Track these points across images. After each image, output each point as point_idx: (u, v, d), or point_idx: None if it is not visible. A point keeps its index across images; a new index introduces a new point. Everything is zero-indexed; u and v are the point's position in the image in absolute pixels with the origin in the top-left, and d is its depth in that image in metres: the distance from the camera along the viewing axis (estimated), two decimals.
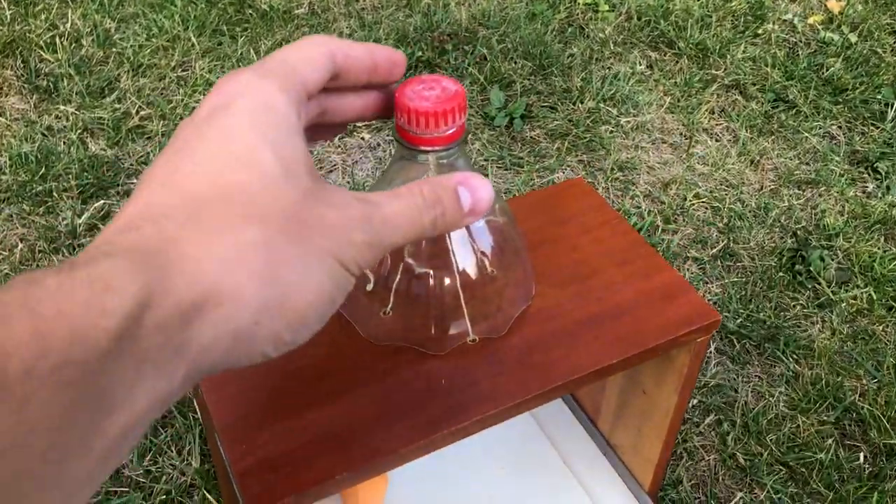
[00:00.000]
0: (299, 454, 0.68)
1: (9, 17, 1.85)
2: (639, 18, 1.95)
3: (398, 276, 0.73)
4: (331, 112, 0.49)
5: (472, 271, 0.74)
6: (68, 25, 1.82)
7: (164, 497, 1.05)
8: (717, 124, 1.69)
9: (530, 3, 1.99)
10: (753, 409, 1.18)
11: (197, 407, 1.08)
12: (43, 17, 1.85)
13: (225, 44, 1.81)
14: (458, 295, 0.74)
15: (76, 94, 1.65)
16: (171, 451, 1.10)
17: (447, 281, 0.73)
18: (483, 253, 0.74)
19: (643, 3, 1.98)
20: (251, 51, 1.78)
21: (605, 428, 1.04)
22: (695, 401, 1.19)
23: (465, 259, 0.73)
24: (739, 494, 1.09)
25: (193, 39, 1.80)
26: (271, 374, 0.74)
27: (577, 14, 1.97)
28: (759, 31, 1.93)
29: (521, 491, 1.01)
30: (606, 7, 1.99)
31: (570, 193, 0.94)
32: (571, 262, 0.85)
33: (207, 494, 1.05)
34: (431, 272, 0.73)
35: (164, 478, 1.07)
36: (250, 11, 1.91)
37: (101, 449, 0.29)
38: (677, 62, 1.84)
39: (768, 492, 1.09)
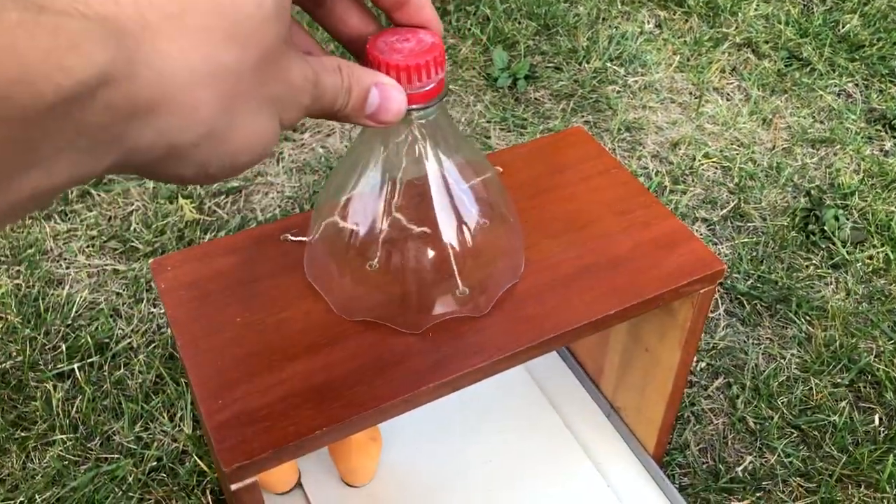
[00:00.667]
0: (277, 409, 0.65)
1: None
2: None
3: (379, 241, 0.69)
4: (328, 8, 0.48)
5: (455, 242, 0.69)
6: None
7: (156, 463, 1.03)
8: (727, 83, 1.63)
9: None
10: (764, 371, 1.14)
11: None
12: None
13: None
14: (440, 266, 0.69)
15: None
16: (163, 418, 1.07)
17: (430, 253, 0.69)
18: (466, 224, 0.70)
19: None
20: None
21: (609, 390, 1.00)
22: (703, 364, 1.15)
23: (448, 228, 0.69)
24: (749, 458, 1.05)
25: None
26: (250, 329, 0.71)
27: None
28: None
29: (522, 455, 0.97)
30: None
31: (568, 142, 0.90)
32: (567, 212, 0.81)
33: (199, 461, 1.02)
34: (410, 244, 0.69)
35: (156, 444, 1.05)
36: None
37: (7, 203, 0.28)
38: (687, 21, 1.78)
39: (779, 455, 1.05)
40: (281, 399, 0.65)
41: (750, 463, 1.05)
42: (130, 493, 1.00)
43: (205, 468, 1.01)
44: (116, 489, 1.00)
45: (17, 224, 1.31)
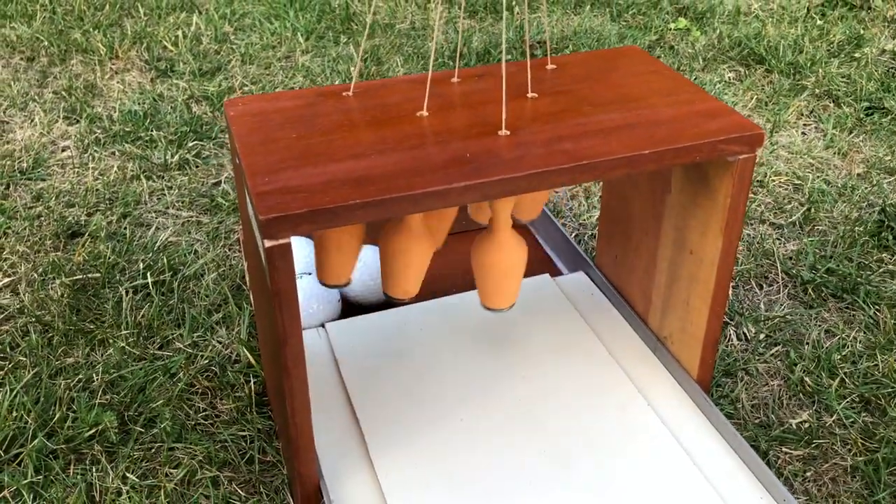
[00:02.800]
0: (317, 187, 0.69)
1: (143, 17, 2.05)
2: (730, 38, 1.97)
3: None
4: None
5: None
6: (192, 28, 2.00)
7: (206, 363, 1.06)
8: (805, 123, 1.65)
9: (623, 27, 2.05)
10: (825, 345, 1.10)
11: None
12: (171, 20, 2.05)
13: (328, 46, 1.94)
14: None
15: (189, 73, 1.80)
16: (221, 330, 1.12)
17: None
18: None
19: (736, 31, 2.00)
20: (351, 49, 1.90)
21: (655, 320, 1.00)
22: (761, 335, 1.12)
23: None
24: (805, 415, 1.00)
25: (301, 40, 1.94)
26: (302, 142, 0.76)
27: (668, 37, 2.01)
28: (856, 55, 1.91)
29: (561, 374, 0.97)
30: (698, 33, 2.02)
31: (622, 53, 0.95)
32: (615, 94, 0.85)
33: (248, 354, 1.05)
34: None
35: (210, 349, 1.09)
36: (356, 25, 2.05)
37: None
38: (767, 76, 1.83)
39: (838, 416, 0.99)
40: (322, 182, 0.70)
41: (805, 421, 0.99)
42: (178, 383, 1.03)
43: (252, 360, 1.04)
44: (167, 381, 1.04)
45: (120, 180, 1.44)
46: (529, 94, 0.84)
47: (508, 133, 0.77)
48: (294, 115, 0.81)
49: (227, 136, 1.58)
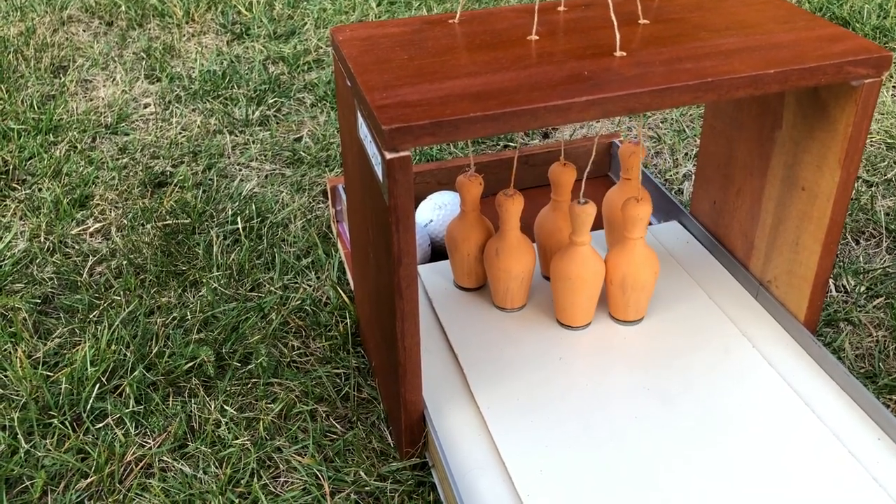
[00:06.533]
0: (436, 101, 0.68)
1: None
2: (810, 3, 1.91)
3: None
4: None
5: None
6: None
7: (298, 303, 1.06)
8: (894, 86, 1.60)
9: None
10: None
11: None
12: None
13: (400, 11, 1.93)
14: None
15: (264, 36, 1.81)
16: (311, 274, 1.12)
17: None
18: None
19: None
20: (424, 11, 1.90)
21: (758, 265, 0.97)
22: (861, 288, 1.09)
23: None
24: None
25: (373, 5, 1.94)
26: (415, 63, 0.75)
27: None
28: None
29: (667, 321, 0.95)
30: None
31: None
32: (730, 21, 0.83)
33: (341, 293, 1.05)
34: None
35: (301, 291, 1.09)
36: None
37: None
38: None
39: None
40: (440, 97, 0.69)
41: None
42: (272, 322, 1.03)
43: (346, 300, 1.04)
44: (259, 320, 1.04)
45: (203, 134, 1.45)
46: (641, 21, 0.83)
47: (624, 54, 0.75)
48: (403, 40, 0.80)
49: (307, 94, 1.58)
